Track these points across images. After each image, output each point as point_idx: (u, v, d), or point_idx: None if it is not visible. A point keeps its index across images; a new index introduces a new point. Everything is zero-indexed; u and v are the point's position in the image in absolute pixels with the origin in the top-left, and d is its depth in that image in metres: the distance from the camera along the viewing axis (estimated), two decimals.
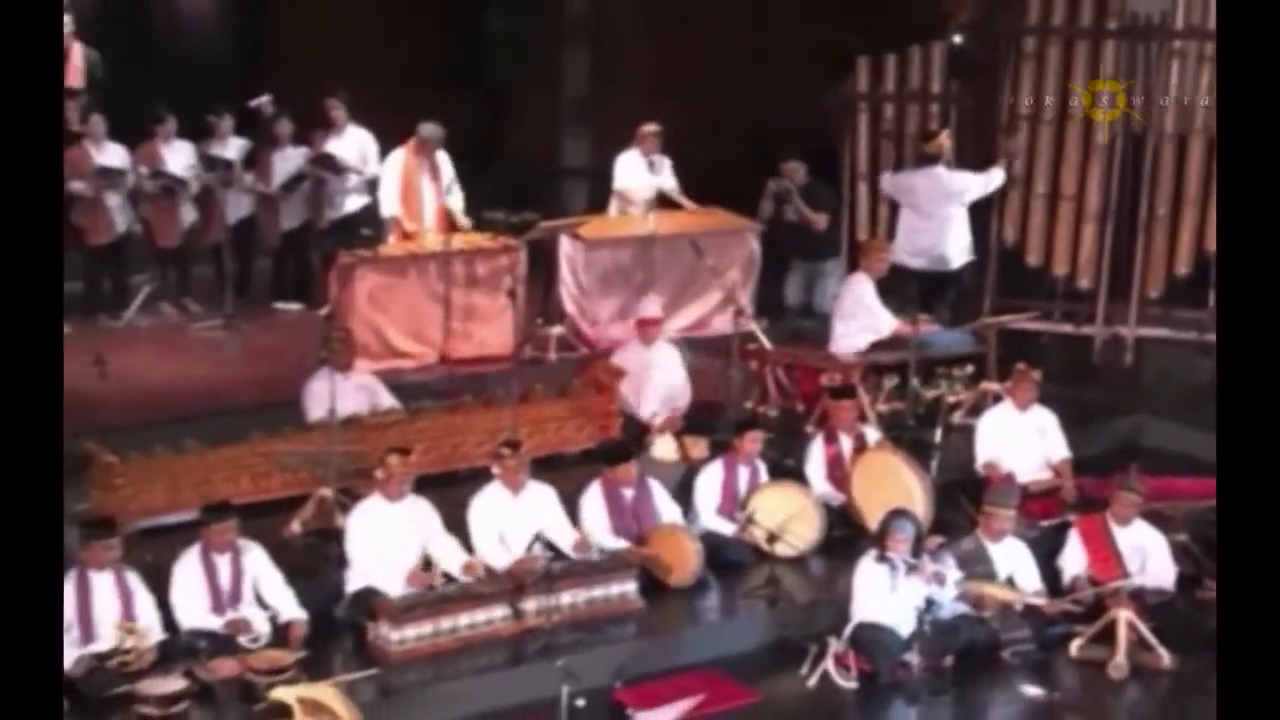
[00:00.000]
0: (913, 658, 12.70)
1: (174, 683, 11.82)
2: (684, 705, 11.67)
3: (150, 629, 12.26)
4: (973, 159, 17.97)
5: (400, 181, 18.51)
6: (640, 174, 18.99)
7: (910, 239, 17.72)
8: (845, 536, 14.18)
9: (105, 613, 12.20)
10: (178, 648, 12.24)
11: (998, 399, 15.71)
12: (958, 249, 17.73)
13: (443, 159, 18.50)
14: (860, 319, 16.77)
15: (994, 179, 17.80)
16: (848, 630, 12.84)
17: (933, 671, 12.78)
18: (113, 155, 18.92)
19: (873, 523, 13.60)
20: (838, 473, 14.76)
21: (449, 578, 13.14)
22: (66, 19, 20.14)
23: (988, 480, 14.56)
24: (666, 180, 19.03)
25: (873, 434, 15.19)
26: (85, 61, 20.15)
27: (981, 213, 17.99)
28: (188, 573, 12.58)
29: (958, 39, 18.28)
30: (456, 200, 18.68)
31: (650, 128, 18.77)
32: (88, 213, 18.79)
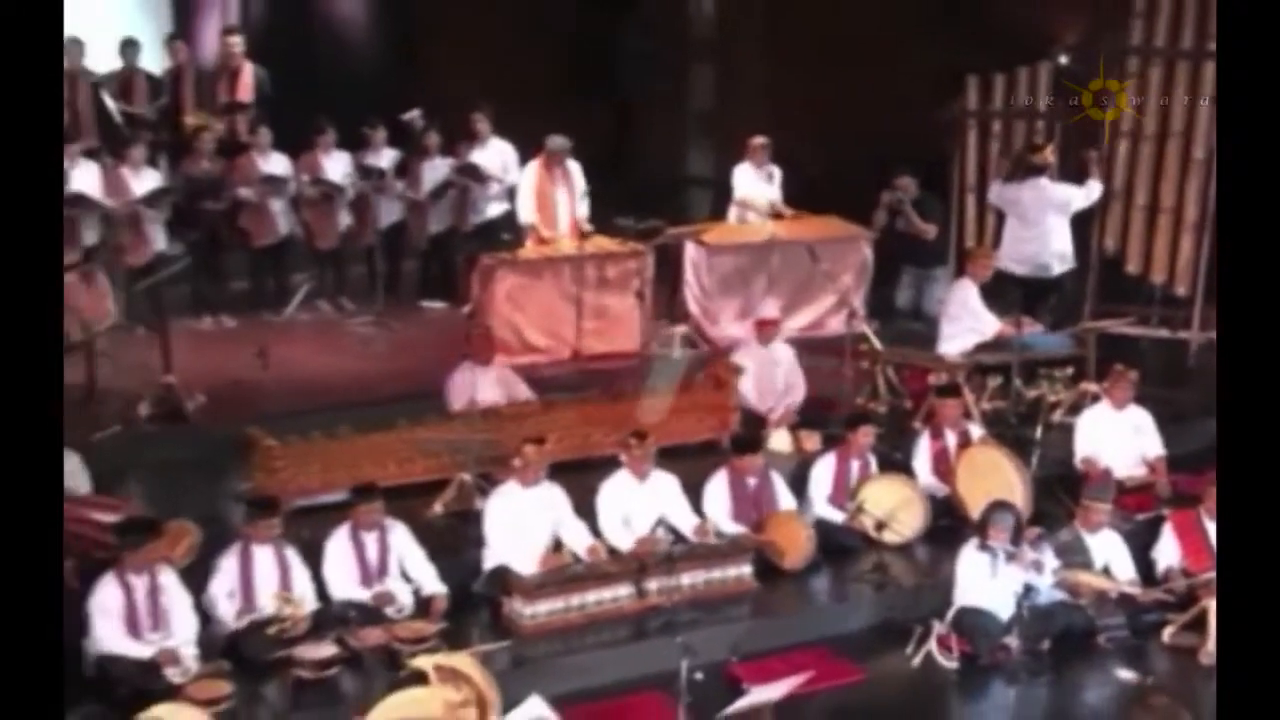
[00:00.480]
0: (1012, 641, 12.52)
1: (326, 649, 11.97)
2: (794, 681, 11.36)
3: (305, 599, 12.31)
4: (1075, 172, 17.53)
5: (535, 190, 18.46)
6: (755, 183, 18.95)
7: (1014, 247, 17.48)
8: (949, 526, 13.93)
9: (265, 584, 12.28)
10: (330, 617, 12.33)
11: (1096, 399, 15.42)
12: (1059, 257, 17.46)
13: (575, 169, 18.46)
14: (966, 322, 16.51)
15: (1093, 191, 17.54)
16: (950, 614, 12.66)
17: (1030, 654, 12.55)
18: (277, 164, 19.05)
19: (975, 513, 13.35)
20: (943, 466, 14.53)
21: (577, 558, 13.11)
22: (238, 40, 20.40)
23: (1085, 475, 14.27)
24: (774, 190, 18.93)
25: (976, 430, 14.96)
26: (255, 79, 20.42)
27: (1083, 223, 17.75)
28: (339, 549, 12.66)
29: (1063, 59, 18.01)
30: (583, 208, 18.58)
31: (759, 140, 18.75)
32: (253, 217, 18.91)
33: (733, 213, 18.99)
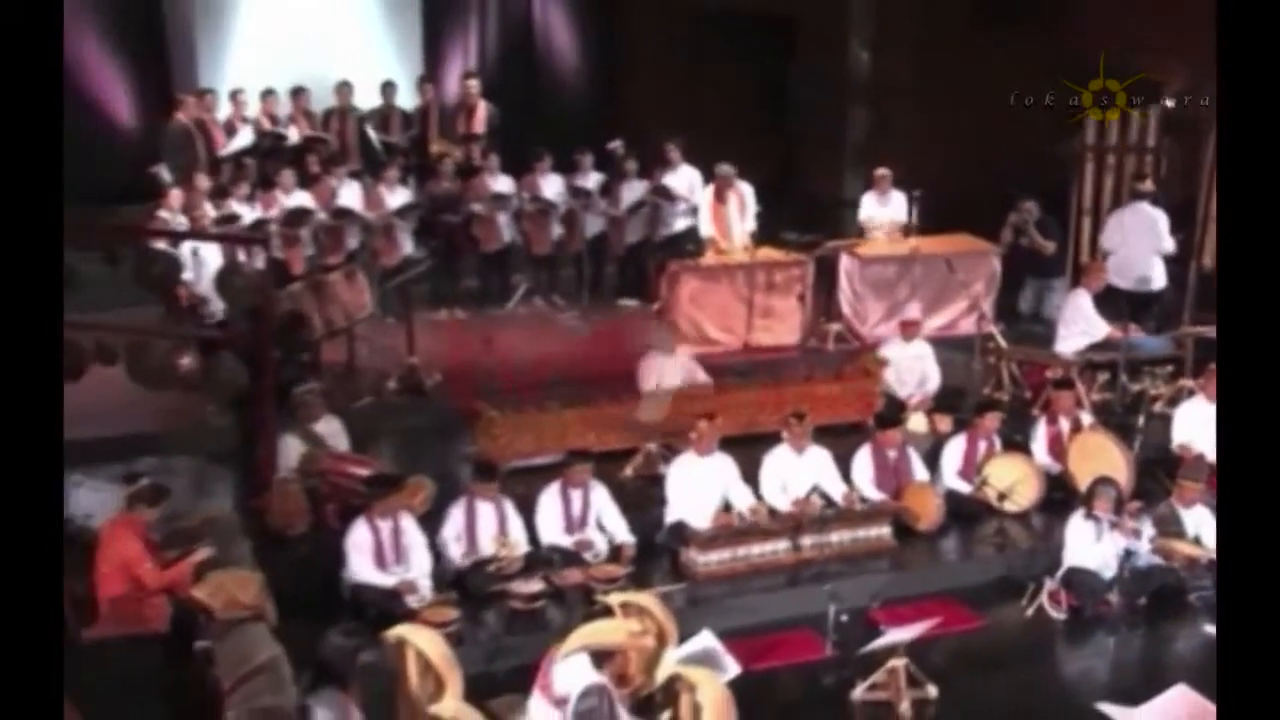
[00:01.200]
0: (1113, 597, 12.55)
1: (535, 585, 12.23)
2: (924, 624, 11.38)
3: (519, 544, 12.55)
4: (1179, 201, 17.50)
5: (713, 208, 18.63)
6: (876, 208, 18.97)
7: (1123, 264, 17.38)
8: (1061, 498, 13.85)
9: (486, 531, 12.53)
10: (538, 559, 12.57)
11: (1192, 393, 15.32)
12: (1158, 273, 17.39)
13: (748, 192, 18.62)
14: (1080, 325, 16.45)
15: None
16: (1060, 573, 12.68)
17: (1129, 609, 12.56)
18: (503, 184, 19.29)
19: (1083, 488, 13.26)
20: (1057, 448, 14.48)
21: (743, 517, 13.22)
22: (475, 83, 20.89)
23: (1181, 459, 14.09)
24: (898, 213, 18.85)
25: (1087, 418, 14.86)
26: (487, 115, 20.90)
27: (1185, 245, 17.55)
28: (549, 502, 12.88)
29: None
30: (752, 224, 18.70)
31: (881, 172, 18.86)
32: (483, 227, 19.19)
33: (867, 231, 19.01)
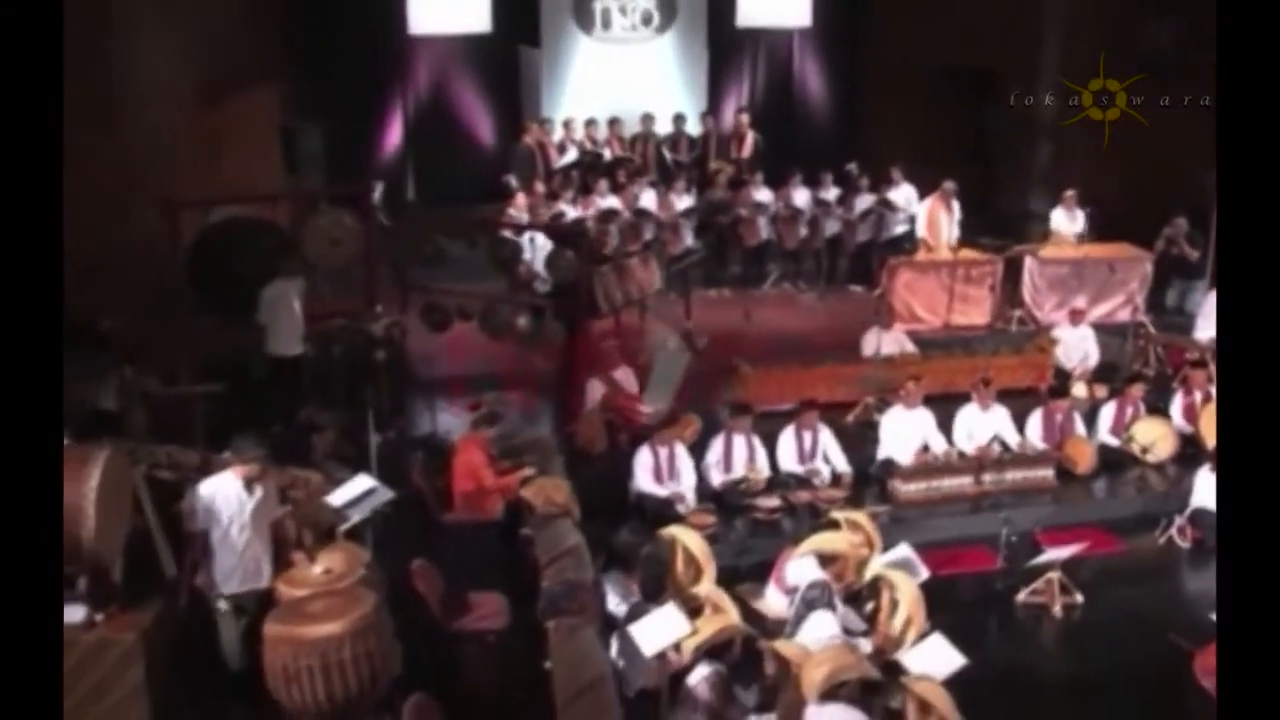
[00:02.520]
0: None
1: (773, 501, 12.42)
2: (1078, 546, 11.42)
3: (762, 469, 12.68)
4: None
5: (927, 217, 18.38)
6: (1064, 221, 18.53)
7: None
8: (1192, 454, 13.57)
9: (738, 458, 12.64)
10: (777, 482, 12.69)
11: None
12: None
13: (956, 205, 18.29)
14: (1214, 319, 15.91)
15: None
16: (1188, 512, 12.48)
17: None
18: (763, 195, 19.18)
19: (1210, 447, 13.10)
20: (1190, 414, 14.17)
21: (937, 457, 13.22)
22: (745, 117, 21.12)
23: None
24: (1079, 225, 18.42)
25: (1216, 391, 14.36)
26: (753, 141, 20.80)
27: None
28: (787, 439, 13.00)
29: None
30: (957, 230, 18.41)
31: (1069, 193, 18.41)
32: (747, 227, 19.20)
33: (1053, 239, 18.55)
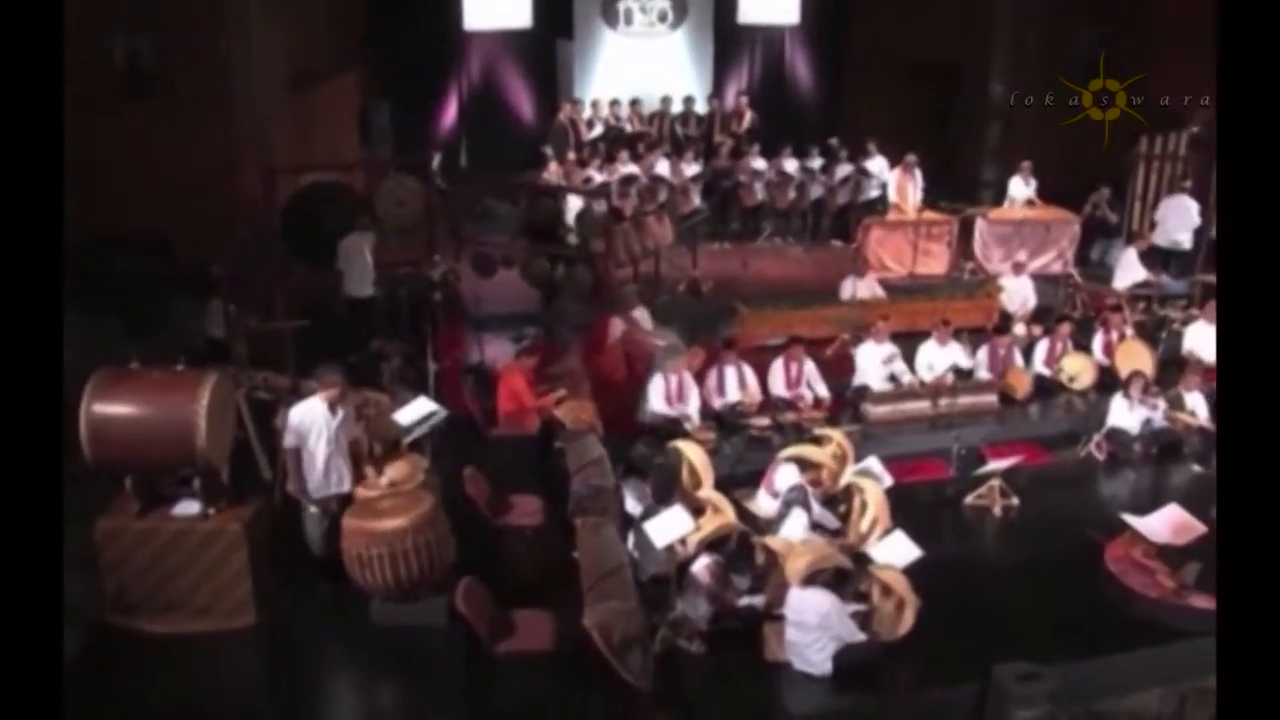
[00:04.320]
0: (1137, 447, 12.36)
1: (764, 420, 12.38)
2: (1015, 458, 11.51)
3: (755, 393, 12.60)
4: (1201, 193, 16.77)
5: (896, 184, 18.29)
6: (1020, 187, 18.31)
7: (1162, 232, 16.81)
8: (1109, 383, 13.45)
9: (734, 384, 12.54)
10: (768, 404, 12.58)
11: (1196, 318, 14.70)
12: (1186, 238, 16.72)
13: (918, 174, 18.22)
14: (1129, 271, 16.03)
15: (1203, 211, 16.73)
16: (1104, 429, 12.49)
17: (1145, 456, 12.39)
18: (759, 164, 19.07)
19: (1123, 376, 13.00)
20: (1109, 350, 14.03)
21: (901, 384, 13.14)
22: (745, 98, 21.00)
23: (1187, 360, 13.70)
24: (1030, 190, 18.26)
25: (1129, 331, 14.39)
26: (750, 118, 20.68)
27: (1202, 217, 16.74)
28: (777, 368, 12.85)
29: (1195, 129, 17.19)
30: (920, 195, 18.31)
31: (1025, 164, 18.19)
32: (745, 191, 19.10)
33: (1007, 202, 18.40)
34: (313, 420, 8.80)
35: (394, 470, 9.14)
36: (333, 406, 8.85)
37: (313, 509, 8.94)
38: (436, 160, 17.18)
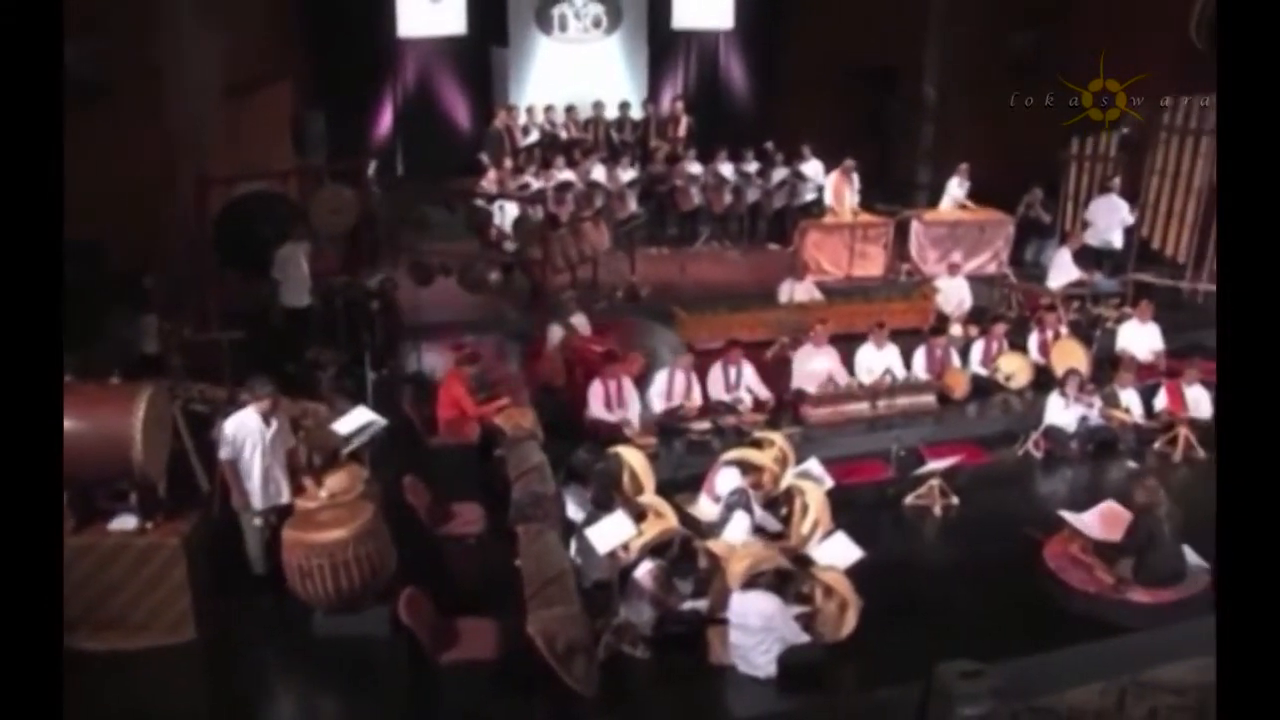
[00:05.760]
0: (1073, 445, 12.48)
1: (704, 424, 12.32)
2: (954, 458, 11.54)
3: (695, 397, 12.53)
4: (1130, 193, 17.04)
5: (833, 188, 18.36)
6: (955, 188, 18.47)
7: (1094, 232, 16.99)
8: (1045, 381, 13.59)
9: (678, 389, 12.56)
10: (707, 408, 12.52)
11: (1129, 317, 14.96)
12: (1118, 237, 16.96)
13: (855, 177, 18.32)
14: (1063, 270, 16.20)
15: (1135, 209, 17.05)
16: (1041, 428, 12.59)
17: (1082, 453, 12.51)
18: (695, 168, 19.16)
19: (1059, 374, 13.14)
20: (1044, 349, 14.18)
21: (839, 386, 13.10)
22: (680, 103, 21.05)
23: (1120, 358, 13.90)
24: (964, 192, 18.45)
25: (1064, 330, 14.57)
26: (687, 123, 20.80)
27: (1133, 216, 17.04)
28: (716, 371, 12.82)
29: (1125, 130, 17.43)
30: (857, 198, 18.40)
31: (963, 165, 18.35)
32: (681, 195, 19.15)
33: (943, 202, 18.56)
34: (247, 432, 8.78)
35: (333, 481, 9.08)
36: (266, 418, 8.84)
37: (257, 522, 8.91)
38: (372, 168, 17.07)
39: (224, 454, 8.77)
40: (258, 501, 8.87)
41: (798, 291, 15.49)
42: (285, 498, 8.96)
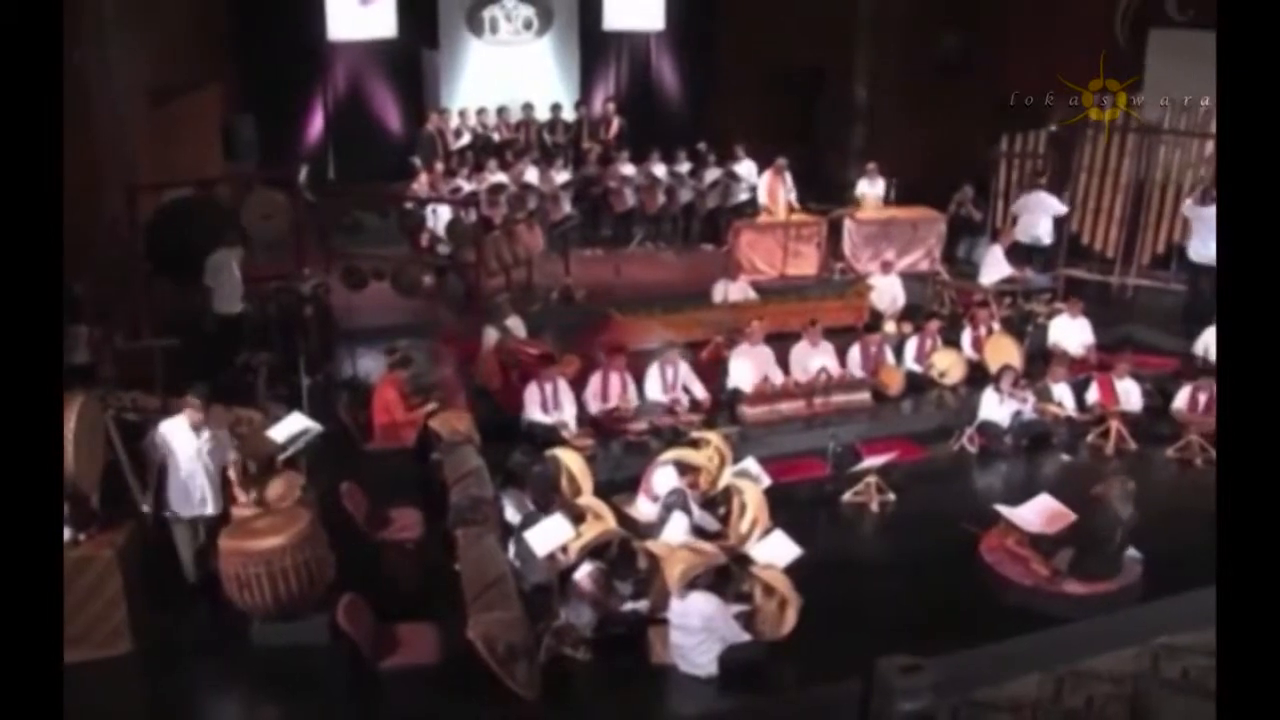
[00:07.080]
0: (1008, 439, 12.62)
1: (642, 425, 12.28)
2: (890, 454, 11.61)
3: (633, 398, 12.53)
4: (1058, 189, 17.28)
5: (767, 188, 18.48)
6: (867, 188, 18.65)
7: (1023, 228, 17.13)
8: (979, 377, 13.72)
9: (613, 390, 12.52)
10: (645, 409, 12.47)
11: (1060, 312, 15.13)
12: (1047, 233, 17.12)
13: (789, 177, 18.44)
14: (995, 267, 16.38)
15: (1064, 202, 17.22)
16: (976, 423, 12.71)
17: (1016, 447, 12.64)
18: (628, 169, 19.10)
19: (993, 370, 13.29)
20: (977, 344, 14.32)
21: (775, 385, 13.13)
22: (612, 105, 21.10)
23: (1052, 353, 14.14)
24: (880, 191, 18.61)
25: (996, 326, 14.70)
26: (619, 124, 20.85)
27: (1062, 216, 17.30)
28: (654, 372, 12.79)
29: (1054, 128, 17.68)
30: (792, 197, 18.51)
31: (870, 165, 18.61)
32: (615, 196, 19.08)
33: (867, 204, 18.58)
34: (177, 439, 8.82)
35: (270, 488, 9.03)
36: (197, 428, 8.85)
37: (181, 530, 8.91)
38: (304, 172, 16.93)
39: (154, 458, 8.80)
40: (182, 507, 8.88)
41: (732, 291, 15.52)
42: (210, 509, 8.95)
